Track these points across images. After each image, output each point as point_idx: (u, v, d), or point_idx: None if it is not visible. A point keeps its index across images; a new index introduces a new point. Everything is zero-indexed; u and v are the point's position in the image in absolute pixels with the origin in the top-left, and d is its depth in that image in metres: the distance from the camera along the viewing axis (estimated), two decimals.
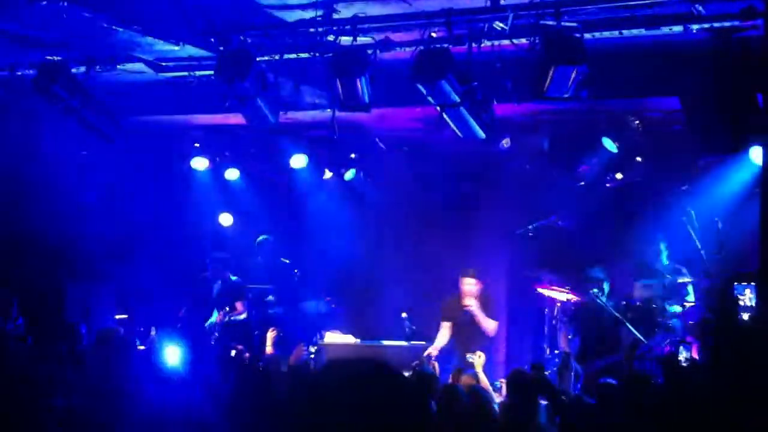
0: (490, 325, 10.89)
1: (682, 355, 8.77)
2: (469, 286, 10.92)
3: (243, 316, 11.77)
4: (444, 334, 11.01)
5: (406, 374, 8.07)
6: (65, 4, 7.18)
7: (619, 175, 12.01)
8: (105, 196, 12.52)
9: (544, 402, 7.36)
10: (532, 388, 6.75)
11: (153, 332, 10.97)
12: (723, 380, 4.98)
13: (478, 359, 9.48)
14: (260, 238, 12.83)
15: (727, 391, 4.56)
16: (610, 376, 8.80)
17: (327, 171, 13.18)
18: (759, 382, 4.37)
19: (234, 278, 12.01)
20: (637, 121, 10.63)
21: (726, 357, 5.64)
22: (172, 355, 8.73)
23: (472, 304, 10.85)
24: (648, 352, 10.21)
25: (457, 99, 7.42)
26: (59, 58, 8.97)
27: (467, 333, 10.87)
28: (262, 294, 12.47)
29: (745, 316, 7.50)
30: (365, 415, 1.91)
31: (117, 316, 11.53)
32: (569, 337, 10.71)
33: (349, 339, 11.82)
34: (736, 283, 6.70)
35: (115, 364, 6.12)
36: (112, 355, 6.24)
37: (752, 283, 6.47)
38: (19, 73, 9.49)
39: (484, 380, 8.78)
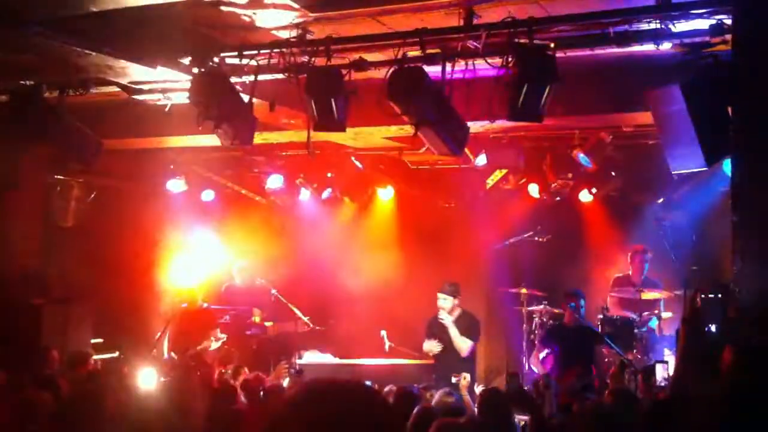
0: (462, 344, 10.79)
1: (659, 374, 8.80)
2: (441, 301, 10.90)
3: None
4: (426, 350, 11.01)
5: (387, 390, 8.06)
6: (38, 29, 7.14)
7: (594, 190, 12.11)
8: (81, 219, 12.45)
9: (523, 418, 7.35)
10: (505, 407, 6.71)
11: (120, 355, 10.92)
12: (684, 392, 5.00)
13: (464, 381, 9.41)
14: (238, 263, 12.76)
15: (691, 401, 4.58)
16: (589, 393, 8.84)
17: (303, 190, 13.18)
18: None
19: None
20: (611, 137, 10.71)
21: (692, 368, 5.66)
22: (147, 379, 8.69)
23: (444, 318, 10.84)
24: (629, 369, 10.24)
25: (432, 117, 7.44)
26: (31, 82, 8.93)
27: (448, 351, 10.83)
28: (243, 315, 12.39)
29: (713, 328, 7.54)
30: None
31: (92, 340, 11.41)
32: (545, 352, 10.71)
33: (328, 358, 11.79)
34: (702, 295, 6.72)
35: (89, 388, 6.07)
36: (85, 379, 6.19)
37: (718, 294, 6.50)
38: None
39: (468, 403, 8.73)
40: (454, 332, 10.79)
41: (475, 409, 8.24)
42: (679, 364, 5.51)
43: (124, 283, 12.25)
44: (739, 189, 6.07)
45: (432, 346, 10.97)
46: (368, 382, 9.57)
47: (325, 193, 13.22)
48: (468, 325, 10.95)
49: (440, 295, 10.94)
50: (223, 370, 10.01)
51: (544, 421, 6.77)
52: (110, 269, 12.08)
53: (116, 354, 11.32)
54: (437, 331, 10.98)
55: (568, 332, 10.54)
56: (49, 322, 10.90)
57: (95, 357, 10.29)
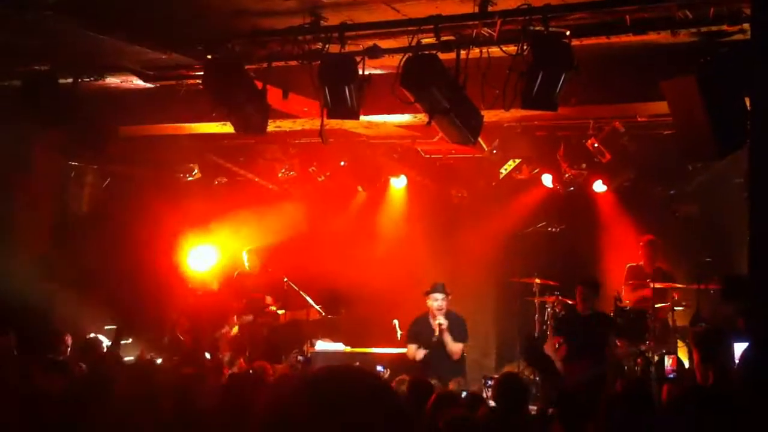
0: (456, 348, 10.51)
1: (668, 363, 8.79)
2: (439, 302, 10.57)
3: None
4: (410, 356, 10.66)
5: (400, 379, 8.05)
6: (49, 12, 7.13)
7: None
8: (95, 205, 12.49)
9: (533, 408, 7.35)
10: (522, 394, 6.71)
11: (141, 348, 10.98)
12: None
13: (456, 386, 9.34)
14: (248, 250, 12.78)
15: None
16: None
17: (317, 179, 13.17)
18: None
19: None
20: (626, 127, 10.65)
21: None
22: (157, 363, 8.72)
23: (443, 323, 10.48)
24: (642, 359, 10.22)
25: (446, 105, 7.40)
26: (45, 68, 8.93)
27: (438, 356, 10.49)
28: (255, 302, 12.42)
29: None
30: (350, 423, 1.90)
31: (106, 327, 11.46)
32: (558, 343, 10.68)
33: (340, 346, 11.80)
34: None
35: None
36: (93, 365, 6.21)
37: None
38: (6, 84, 9.44)
39: None
40: (449, 339, 10.44)
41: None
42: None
43: (138, 270, 12.28)
44: (755, 182, 6.01)
45: (417, 353, 10.61)
46: (380, 368, 9.60)
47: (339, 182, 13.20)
48: (459, 328, 10.62)
49: (436, 296, 10.55)
50: (221, 356, 10.06)
51: (558, 379, 6.73)
52: (124, 255, 12.12)
53: (129, 340, 11.38)
54: (423, 332, 10.62)
55: (580, 321, 10.48)
56: (62, 308, 10.94)
57: (107, 343, 10.36)
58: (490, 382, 9.40)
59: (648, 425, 4.81)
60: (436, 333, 10.45)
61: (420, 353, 10.62)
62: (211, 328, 11.31)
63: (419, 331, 10.72)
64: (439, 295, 10.56)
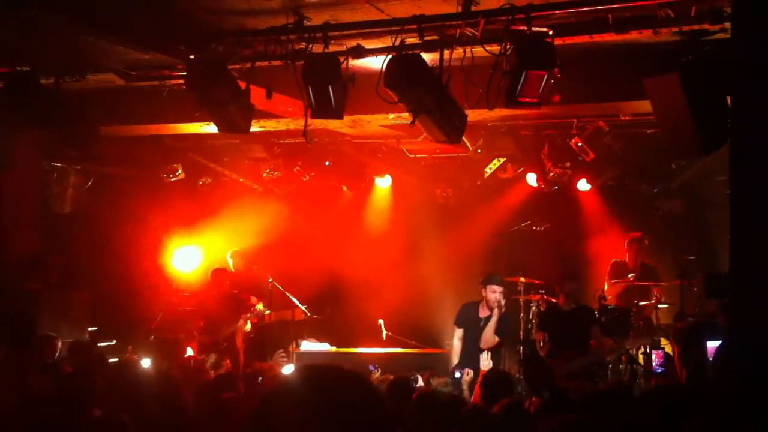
0: (492, 339, 10.59)
1: (655, 359, 8.84)
2: (496, 294, 10.66)
3: None
4: (457, 341, 10.87)
5: (381, 378, 8.05)
6: (36, 11, 7.10)
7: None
8: (78, 206, 12.43)
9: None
10: (508, 390, 6.72)
11: (130, 348, 10.95)
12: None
13: (467, 376, 9.42)
14: (231, 251, 12.77)
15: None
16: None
17: (302, 179, 13.16)
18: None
19: None
20: (609, 125, 10.69)
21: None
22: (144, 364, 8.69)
23: (496, 314, 10.57)
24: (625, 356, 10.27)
25: (430, 105, 7.41)
26: (27, 68, 8.88)
27: (477, 347, 10.62)
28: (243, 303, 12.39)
29: None
30: (334, 420, 1.90)
31: (90, 328, 11.41)
32: (543, 339, 10.71)
33: (326, 346, 11.80)
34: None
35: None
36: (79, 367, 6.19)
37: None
38: None
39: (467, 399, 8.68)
40: (490, 328, 10.58)
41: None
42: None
43: (122, 270, 12.24)
44: (736, 179, 6.05)
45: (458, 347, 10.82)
46: (372, 367, 9.62)
47: (323, 181, 13.20)
48: (504, 323, 10.71)
49: (492, 288, 10.66)
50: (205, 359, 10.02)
51: (557, 389, 6.75)
52: (108, 256, 12.08)
53: (113, 341, 11.34)
54: (471, 318, 10.78)
55: (563, 315, 10.52)
56: (47, 309, 10.88)
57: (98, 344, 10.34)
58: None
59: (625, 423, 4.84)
60: (484, 320, 10.63)
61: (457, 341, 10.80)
62: (225, 325, 11.30)
63: (467, 317, 10.85)
64: (497, 287, 10.69)
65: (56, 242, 11.82)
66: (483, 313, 10.76)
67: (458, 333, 10.91)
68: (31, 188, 11.58)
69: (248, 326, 11.61)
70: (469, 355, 10.47)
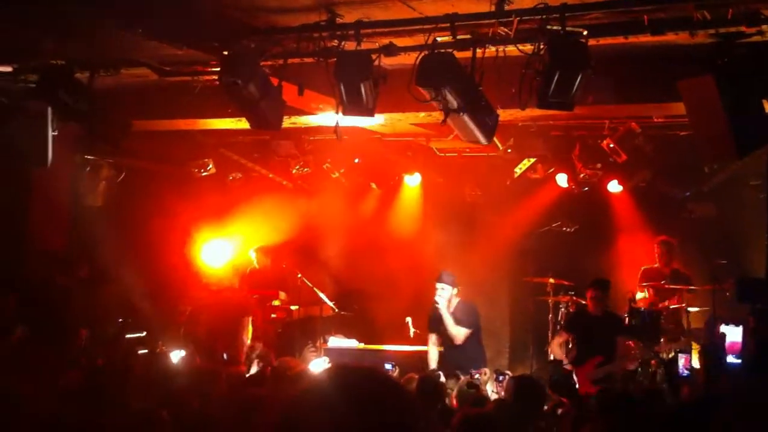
0: (456, 332, 10.44)
1: (681, 363, 8.80)
2: (440, 290, 10.54)
3: None
4: (432, 347, 10.68)
5: (408, 377, 8.05)
6: (67, 6, 7.15)
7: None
8: (110, 199, 12.53)
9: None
10: (540, 395, 6.72)
11: (159, 343, 11.01)
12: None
13: (484, 376, 9.37)
14: (255, 247, 12.81)
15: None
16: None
17: (331, 176, 13.18)
18: None
19: None
20: (641, 127, 10.61)
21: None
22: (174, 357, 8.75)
23: (441, 306, 10.45)
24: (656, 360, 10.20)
25: (462, 104, 7.38)
26: (62, 62, 8.96)
27: (454, 347, 10.50)
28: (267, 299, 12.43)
29: None
30: (364, 423, 1.90)
31: (119, 320, 11.51)
32: (568, 341, 10.68)
33: (353, 343, 11.82)
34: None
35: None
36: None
37: None
38: (23, 77, 9.47)
39: (489, 397, 8.65)
40: (448, 321, 10.43)
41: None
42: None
43: (152, 264, 12.32)
44: None
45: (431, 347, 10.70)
46: (388, 366, 9.62)
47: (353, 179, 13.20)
48: (464, 313, 10.58)
49: (439, 285, 10.54)
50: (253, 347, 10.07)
51: (582, 405, 6.75)
52: (138, 250, 12.16)
53: (143, 333, 11.42)
54: (438, 323, 10.63)
55: (591, 320, 10.46)
56: (77, 302, 10.98)
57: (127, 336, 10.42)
58: (501, 378, 9.40)
59: None
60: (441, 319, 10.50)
61: (433, 348, 10.65)
62: (229, 324, 11.30)
63: (434, 321, 10.72)
64: (438, 285, 10.56)
65: (87, 235, 11.92)
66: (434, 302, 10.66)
67: (432, 338, 10.73)
68: (62, 182, 11.69)
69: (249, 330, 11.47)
70: (452, 359, 10.30)
